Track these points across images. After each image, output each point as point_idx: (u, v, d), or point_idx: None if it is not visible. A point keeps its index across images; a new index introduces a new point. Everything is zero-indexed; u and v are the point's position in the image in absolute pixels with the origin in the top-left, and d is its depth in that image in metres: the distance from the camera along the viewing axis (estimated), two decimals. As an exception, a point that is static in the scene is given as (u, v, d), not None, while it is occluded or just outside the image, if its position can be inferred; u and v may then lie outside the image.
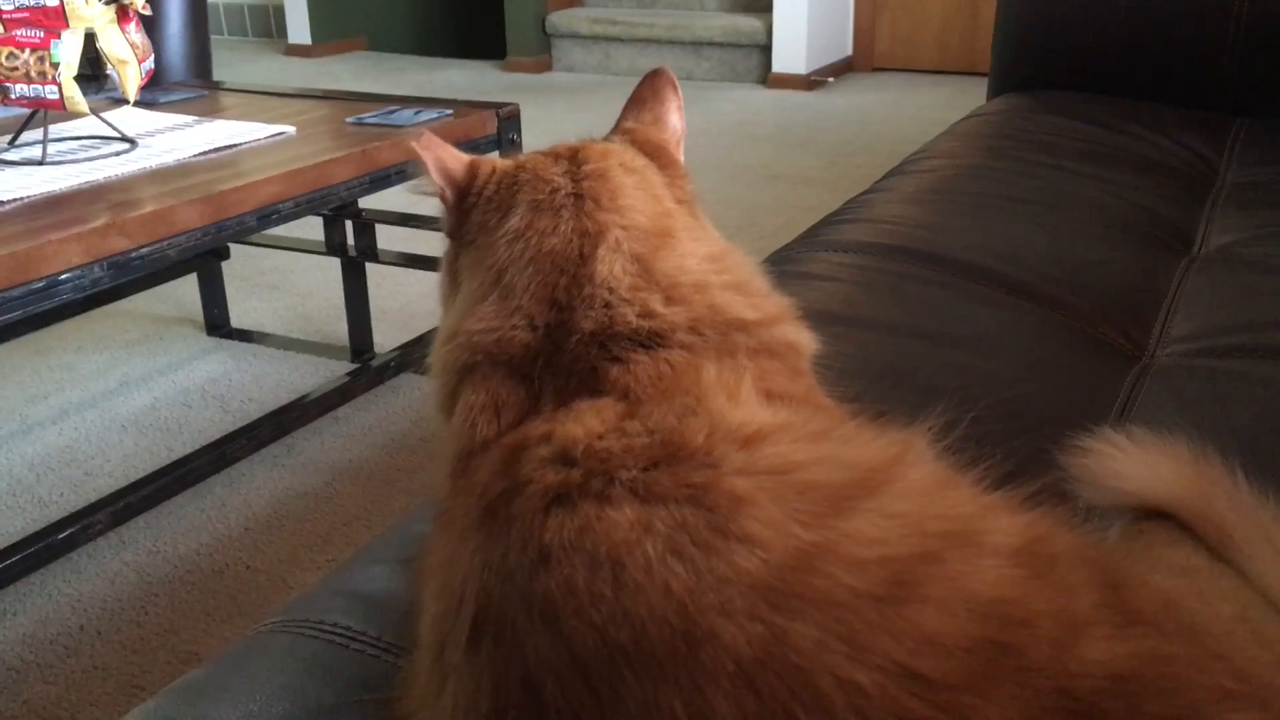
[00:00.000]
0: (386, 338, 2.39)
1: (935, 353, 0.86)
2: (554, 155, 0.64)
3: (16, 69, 1.59)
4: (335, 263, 2.40)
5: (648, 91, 0.71)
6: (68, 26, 1.59)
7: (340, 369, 2.28)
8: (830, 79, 5.02)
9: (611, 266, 0.57)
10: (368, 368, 2.06)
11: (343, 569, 0.64)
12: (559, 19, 5.41)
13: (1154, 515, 0.60)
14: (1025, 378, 0.83)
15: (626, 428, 0.48)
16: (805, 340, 0.61)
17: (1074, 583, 0.42)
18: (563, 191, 0.60)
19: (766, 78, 4.97)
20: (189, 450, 1.99)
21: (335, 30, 6.10)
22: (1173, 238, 1.20)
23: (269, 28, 6.61)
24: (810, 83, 4.89)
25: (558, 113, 4.58)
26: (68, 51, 1.59)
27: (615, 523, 0.43)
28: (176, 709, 0.54)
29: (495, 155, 0.68)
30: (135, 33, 1.69)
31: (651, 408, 0.49)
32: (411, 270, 2.34)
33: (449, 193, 0.64)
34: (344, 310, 2.44)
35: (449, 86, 5.16)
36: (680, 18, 5.20)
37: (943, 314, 0.94)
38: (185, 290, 2.60)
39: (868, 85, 5.05)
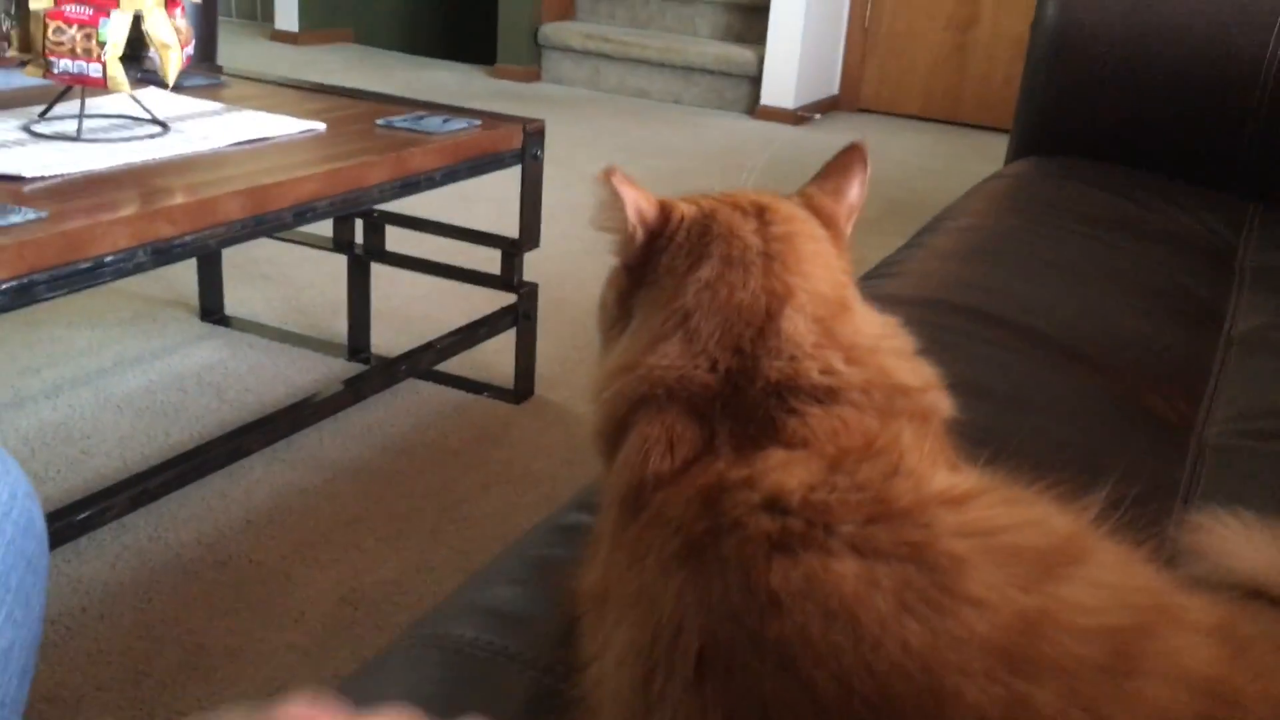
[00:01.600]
0: (380, 338, 2.40)
1: (1012, 416, 0.89)
2: (740, 209, 0.66)
3: (62, 44, 1.58)
4: (330, 257, 2.39)
5: (840, 161, 0.74)
6: (118, 6, 1.59)
7: (336, 366, 2.28)
8: (816, 115, 5.09)
9: (797, 324, 0.60)
10: (378, 369, 2.07)
11: (473, 588, 0.66)
12: (552, 30, 5.43)
13: (1254, 595, 0.64)
14: (1098, 446, 0.87)
15: (836, 482, 0.50)
16: (947, 407, 0.64)
17: (1272, 666, 0.45)
18: (754, 250, 0.63)
19: (754, 108, 5.03)
20: (186, 436, 1.98)
21: (323, 20, 6.07)
22: (1205, 315, 1.25)
23: (254, 10, 6.56)
24: (797, 117, 4.95)
25: (546, 124, 4.59)
26: (115, 31, 1.59)
27: (841, 575, 0.45)
28: None
29: (691, 199, 0.70)
30: (180, 19, 1.69)
31: (855, 464, 0.52)
32: (407, 272, 2.34)
33: (641, 232, 0.66)
34: (338, 305, 2.44)
35: (438, 87, 5.15)
36: (673, 41, 5.25)
37: (1013, 376, 0.97)
38: (176, 272, 2.58)
39: (852, 125, 5.12)
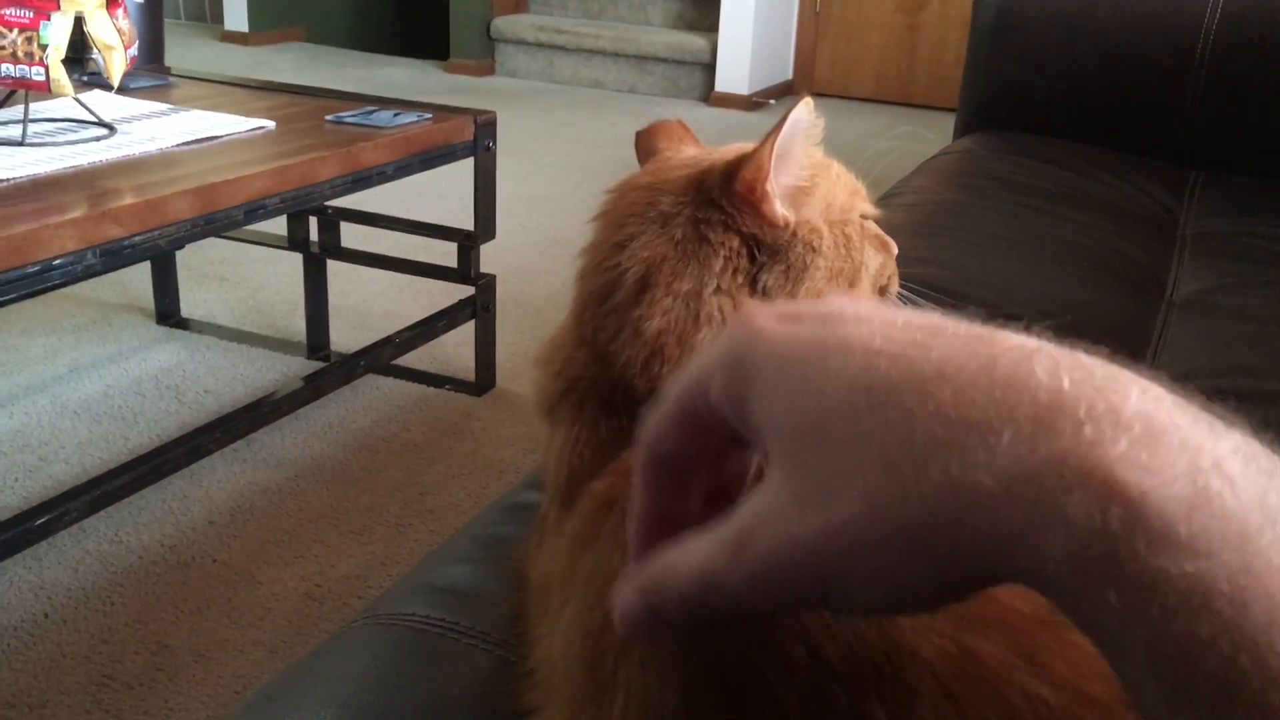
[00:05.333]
0: (339, 335, 2.39)
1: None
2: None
3: (3, 48, 1.57)
4: (285, 256, 2.38)
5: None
6: (59, 9, 1.57)
7: (295, 364, 2.27)
8: (771, 101, 5.11)
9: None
10: (337, 365, 2.06)
11: (426, 568, 0.67)
12: (504, 24, 5.42)
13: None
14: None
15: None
16: None
17: None
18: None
19: (709, 95, 5.04)
20: (145, 440, 1.97)
21: (273, 19, 6.02)
22: (1147, 282, 1.27)
23: (203, 12, 6.50)
24: (752, 103, 4.97)
25: (501, 117, 4.58)
26: (57, 34, 1.57)
27: None
28: (296, 694, 0.56)
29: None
30: (123, 19, 1.68)
31: None
32: (364, 268, 2.34)
33: None
34: (295, 304, 2.43)
35: (391, 84, 5.13)
36: (626, 31, 5.25)
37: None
38: (130, 276, 2.56)
39: (806, 109, 5.14)
